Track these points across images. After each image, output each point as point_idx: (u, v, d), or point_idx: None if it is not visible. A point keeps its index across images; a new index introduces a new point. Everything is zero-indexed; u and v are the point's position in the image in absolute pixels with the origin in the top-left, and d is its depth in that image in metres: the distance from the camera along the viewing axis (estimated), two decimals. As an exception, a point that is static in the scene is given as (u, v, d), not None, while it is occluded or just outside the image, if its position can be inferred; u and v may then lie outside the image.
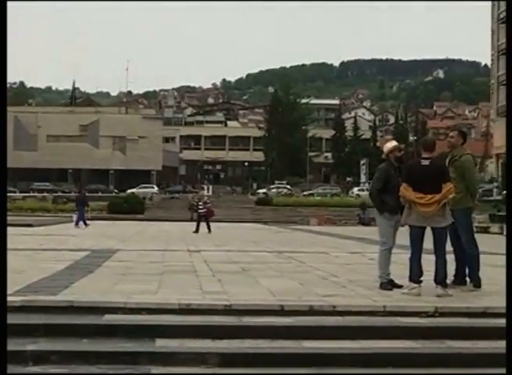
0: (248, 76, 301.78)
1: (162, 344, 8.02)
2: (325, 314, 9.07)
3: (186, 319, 8.78)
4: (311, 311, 9.13)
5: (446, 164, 11.25)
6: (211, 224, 33.92)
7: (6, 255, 11.13)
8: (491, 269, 14.14)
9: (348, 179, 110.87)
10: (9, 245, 21.38)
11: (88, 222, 38.95)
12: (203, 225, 33.31)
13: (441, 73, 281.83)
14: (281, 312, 9.09)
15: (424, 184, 10.52)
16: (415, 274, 10.67)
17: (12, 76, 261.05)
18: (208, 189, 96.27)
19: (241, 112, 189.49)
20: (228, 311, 9.04)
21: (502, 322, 8.87)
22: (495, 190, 73.50)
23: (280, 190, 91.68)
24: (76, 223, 38.74)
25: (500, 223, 43.54)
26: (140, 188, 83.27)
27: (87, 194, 45.96)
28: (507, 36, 13.79)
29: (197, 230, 33.23)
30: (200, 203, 34.61)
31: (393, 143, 11.79)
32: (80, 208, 40.16)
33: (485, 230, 37.51)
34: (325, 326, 8.62)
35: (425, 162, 10.75)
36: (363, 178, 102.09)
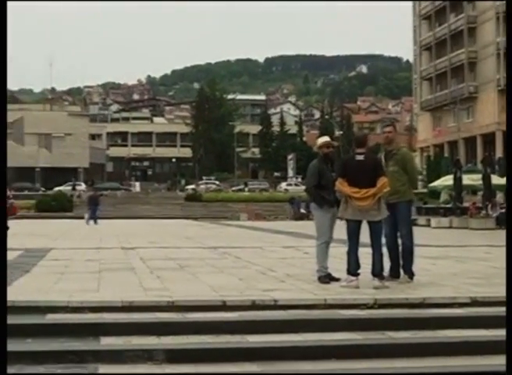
0: (173, 72, 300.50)
1: (108, 342, 8.03)
2: (267, 308, 9.18)
3: (130, 316, 8.80)
4: (254, 306, 9.23)
5: (380, 158, 11.47)
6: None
7: (6, 256, 11.00)
8: (423, 260, 14.48)
9: (276, 174, 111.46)
10: None
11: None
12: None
13: (364, 69, 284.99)
14: (224, 307, 9.17)
15: (359, 179, 10.72)
16: (353, 267, 10.87)
17: None
18: (135, 185, 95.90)
19: (167, 108, 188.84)
20: (171, 307, 9.09)
21: (440, 312, 9.14)
22: (420, 183, 74.76)
23: (209, 186, 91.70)
24: (92, 221, 40.87)
25: (427, 215, 44.43)
26: (67, 186, 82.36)
27: (105, 193, 49.03)
28: (507, 36, 14.13)
29: None
30: None
31: (324, 138, 11.89)
32: (92, 207, 42.07)
33: (413, 223, 38.13)
34: (268, 320, 8.73)
35: (360, 157, 10.94)
36: (290, 173, 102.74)
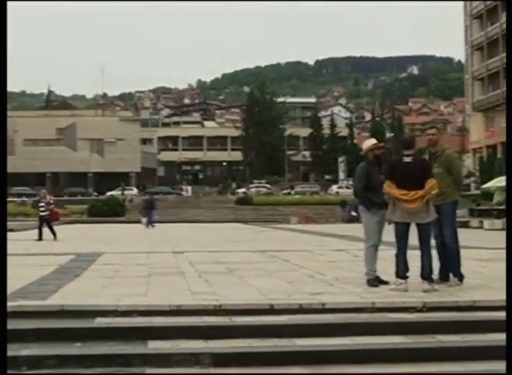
0: (224, 75, 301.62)
1: (155, 346, 8.07)
2: (314, 312, 9.16)
3: (177, 320, 8.83)
4: (301, 309, 9.21)
5: (427, 160, 11.37)
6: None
7: (6, 260, 11.14)
8: (474, 262, 14.32)
9: (326, 176, 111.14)
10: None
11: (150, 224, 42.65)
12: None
13: (415, 70, 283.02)
14: (271, 310, 9.16)
15: (407, 181, 10.63)
16: (401, 270, 10.77)
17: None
18: (187, 190, 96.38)
19: (218, 112, 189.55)
20: (219, 311, 9.10)
21: (490, 315, 9.01)
22: (473, 184, 74.00)
23: (259, 189, 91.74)
24: (148, 225, 42.49)
25: (480, 217, 43.92)
26: (119, 191, 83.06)
27: (156, 197, 50.17)
28: (507, 37, 13.86)
29: (40, 238, 27.86)
30: (41, 204, 28.61)
31: (372, 141, 11.85)
32: (148, 212, 43.65)
33: (465, 225, 37.78)
34: (315, 323, 8.70)
35: (408, 159, 10.85)
36: (341, 175, 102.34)
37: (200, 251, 21.02)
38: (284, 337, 8.27)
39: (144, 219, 44.08)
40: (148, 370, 7.45)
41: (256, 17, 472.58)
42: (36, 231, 28.64)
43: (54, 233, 27.98)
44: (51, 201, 29.32)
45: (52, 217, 28.38)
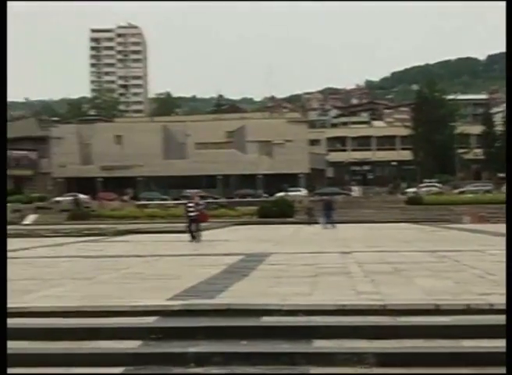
0: (393, 74, 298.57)
1: (319, 345, 8.11)
2: (482, 313, 8.93)
3: (341, 319, 8.84)
4: (468, 310, 9.00)
5: None
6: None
7: (6, 257, 11.37)
8: None
9: (499, 175, 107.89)
10: (166, 252, 22.12)
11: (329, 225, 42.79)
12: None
13: None
14: (436, 311, 9.01)
15: None
16: None
17: (160, 87, 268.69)
18: (355, 190, 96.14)
19: (386, 111, 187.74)
20: (383, 311, 9.04)
21: None
22: None
23: (430, 188, 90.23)
24: (326, 225, 42.86)
25: None
26: (289, 192, 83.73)
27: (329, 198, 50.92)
28: (507, 37, 13.27)
29: (192, 237, 28.22)
30: (190, 204, 29.00)
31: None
32: (327, 212, 44.61)
33: None
34: (483, 324, 8.48)
35: None
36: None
37: (368, 251, 20.91)
38: (450, 338, 8.11)
39: (322, 220, 44.56)
40: (312, 370, 7.49)
41: (426, 14, 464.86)
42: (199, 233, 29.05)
43: (194, 236, 28.24)
44: (200, 203, 29.73)
45: (201, 218, 28.65)
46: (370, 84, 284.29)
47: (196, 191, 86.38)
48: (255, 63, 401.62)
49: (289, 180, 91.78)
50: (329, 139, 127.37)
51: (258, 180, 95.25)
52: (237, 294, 10.59)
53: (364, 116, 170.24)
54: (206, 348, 8.08)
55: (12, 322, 9.01)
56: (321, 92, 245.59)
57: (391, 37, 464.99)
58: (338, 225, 43.20)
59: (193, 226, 28.35)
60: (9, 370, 7.61)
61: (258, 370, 7.46)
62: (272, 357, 7.79)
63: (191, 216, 28.29)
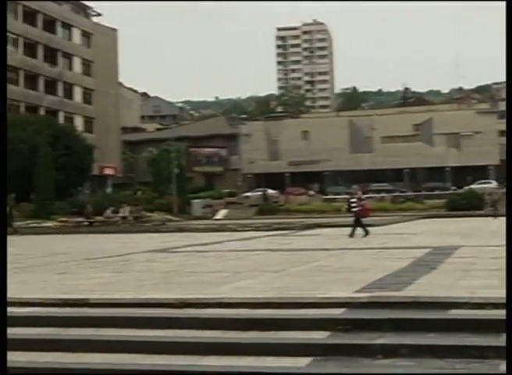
0: None
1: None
2: None
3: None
4: None
5: None
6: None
7: (6, 257, 11.43)
8: None
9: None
10: (354, 245, 22.25)
11: None
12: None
13: None
14: None
15: None
16: None
17: (346, 82, 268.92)
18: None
19: None
20: None
21: None
22: None
23: None
24: None
25: None
26: (478, 184, 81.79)
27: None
28: (507, 37, 12.10)
29: (360, 231, 27.53)
30: (353, 199, 28.60)
31: None
32: None
33: None
34: None
35: None
36: None
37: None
38: None
39: None
40: (502, 364, 7.35)
41: None
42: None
43: (359, 230, 27.68)
44: (363, 197, 29.52)
45: (362, 213, 28.15)
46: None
47: (381, 184, 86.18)
48: (441, 54, 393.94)
49: (478, 172, 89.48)
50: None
51: (446, 172, 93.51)
52: (424, 287, 10.55)
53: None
54: (393, 340, 8.11)
55: (206, 312, 9.41)
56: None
57: None
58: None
59: (358, 222, 28.03)
60: (202, 359, 7.96)
61: (446, 363, 7.43)
62: (461, 350, 7.71)
63: (354, 211, 27.98)
